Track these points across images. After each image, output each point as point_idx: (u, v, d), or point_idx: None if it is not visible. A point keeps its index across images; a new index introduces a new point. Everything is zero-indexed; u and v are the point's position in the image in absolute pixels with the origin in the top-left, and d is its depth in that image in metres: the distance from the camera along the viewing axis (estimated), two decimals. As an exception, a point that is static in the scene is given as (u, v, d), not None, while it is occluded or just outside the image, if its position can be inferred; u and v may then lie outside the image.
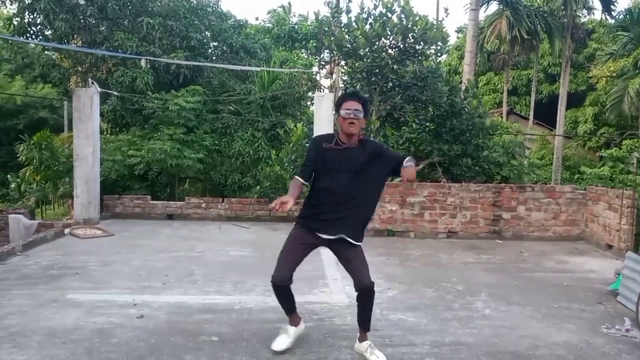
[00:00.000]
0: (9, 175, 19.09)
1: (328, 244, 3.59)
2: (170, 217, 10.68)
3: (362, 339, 3.66)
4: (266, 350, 3.69)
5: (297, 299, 4.90)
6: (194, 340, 3.86)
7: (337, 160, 3.49)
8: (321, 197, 3.53)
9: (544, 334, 4.21)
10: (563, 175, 21.95)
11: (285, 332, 3.73)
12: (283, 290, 3.62)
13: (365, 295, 3.56)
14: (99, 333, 3.96)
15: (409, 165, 3.33)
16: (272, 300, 4.87)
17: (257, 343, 3.83)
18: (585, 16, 26.69)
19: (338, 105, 3.57)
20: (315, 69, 17.33)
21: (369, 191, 3.55)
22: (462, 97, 10.64)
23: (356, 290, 3.56)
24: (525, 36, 22.67)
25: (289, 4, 25.21)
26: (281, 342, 3.67)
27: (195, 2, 14.74)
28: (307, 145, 11.65)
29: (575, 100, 25.54)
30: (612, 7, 23.60)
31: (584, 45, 26.35)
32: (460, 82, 15.22)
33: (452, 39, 30.59)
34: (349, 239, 3.50)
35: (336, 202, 3.46)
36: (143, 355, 3.55)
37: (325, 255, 7.04)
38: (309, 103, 16.24)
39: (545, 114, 25.87)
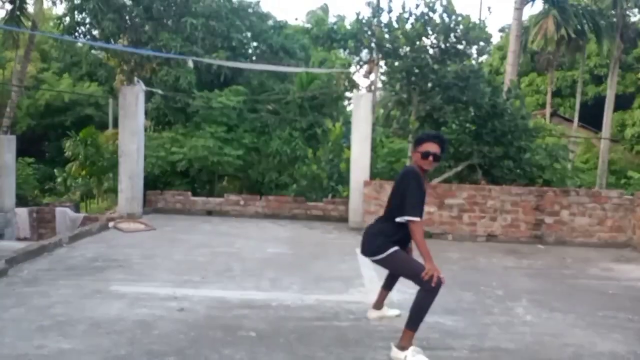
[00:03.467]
0: (55, 170, 19.82)
1: None
2: (209, 213, 10.87)
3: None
4: (303, 348, 3.71)
5: (333, 297, 4.95)
6: (232, 335, 3.91)
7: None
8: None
9: (588, 342, 4.07)
10: (608, 180, 21.22)
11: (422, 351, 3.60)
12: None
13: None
14: (141, 324, 4.06)
15: None
16: (309, 298, 4.92)
17: (294, 340, 3.85)
18: (636, 15, 25.67)
19: (418, 143, 3.81)
20: (353, 68, 17.32)
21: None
22: (505, 97, 10.42)
23: None
24: (572, 36, 22.00)
25: (326, 5, 25.27)
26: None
27: (236, 3, 14.97)
28: (344, 144, 11.65)
29: (623, 103, 24.62)
30: (665, 5, 22.64)
31: (633, 46, 25.36)
32: (502, 83, 14.91)
33: (495, 39, 29.97)
34: None
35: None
36: (183, 348, 3.63)
37: (360, 256, 7.04)
38: (346, 103, 16.25)
39: (591, 117, 25.04)
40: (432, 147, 3.72)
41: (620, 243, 8.57)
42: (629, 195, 8.90)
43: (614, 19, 22.38)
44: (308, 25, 23.97)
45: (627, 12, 23.54)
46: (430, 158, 3.73)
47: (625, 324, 4.58)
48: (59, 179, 18.92)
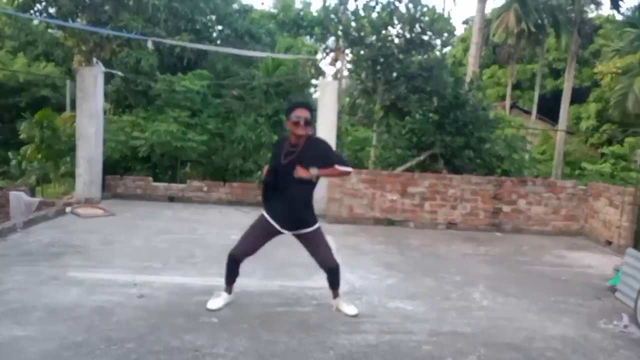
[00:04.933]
0: (9, 153, 19.07)
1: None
2: (171, 199, 10.70)
3: (335, 295, 4.30)
4: (266, 333, 3.72)
5: (296, 284, 4.98)
6: (193, 321, 3.89)
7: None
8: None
9: (540, 326, 4.24)
10: (564, 171, 21.95)
11: (220, 296, 4.25)
12: (236, 264, 4.17)
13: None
14: (99, 311, 3.98)
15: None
16: (272, 284, 4.93)
17: (257, 325, 3.86)
18: (593, 11, 26.50)
19: (289, 111, 4.07)
20: (320, 56, 17.26)
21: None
22: (467, 89, 10.61)
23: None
24: (532, 30, 22.53)
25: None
26: (216, 303, 4.17)
27: (201, -15, 14.63)
28: (309, 132, 11.63)
29: (579, 96, 25.44)
30: (620, 3, 23.44)
31: (590, 41, 26.18)
32: (465, 74, 15.17)
33: (458, 30, 30.40)
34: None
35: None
36: (143, 334, 3.58)
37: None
38: (312, 90, 16.20)
39: (548, 109, 25.79)
40: (302, 112, 3.98)
41: (573, 231, 8.91)
42: (583, 186, 9.25)
43: (572, 14, 23.02)
44: (274, 11, 23.74)
45: (585, 8, 24.25)
46: (301, 122, 3.94)
47: (575, 309, 4.79)
48: (13, 162, 18.21)
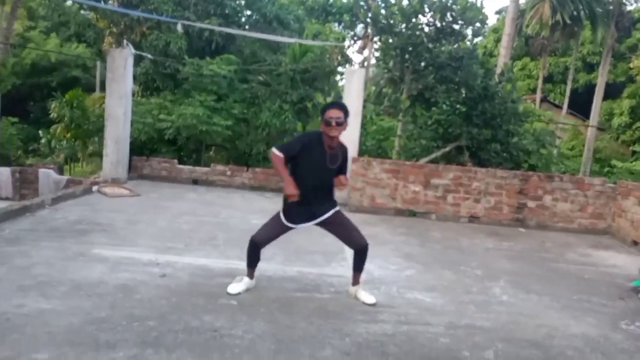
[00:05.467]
0: (40, 131, 19.53)
1: None
2: (195, 182, 10.83)
3: (356, 282, 4.33)
4: (284, 317, 3.75)
5: (315, 270, 5.00)
6: (213, 302, 3.94)
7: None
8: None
9: (562, 324, 4.18)
10: (593, 168, 21.48)
11: (241, 281, 4.27)
12: (257, 250, 4.21)
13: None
14: (123, 288, 4.07)
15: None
16: (291, 270, 4.97)
17: (275, 310, 3.90)
18: (632, 4, 25.66)
19: (322, 112, 4.05)
20: (347, 43, 17.13)
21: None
22: (497, 80, 10.42)
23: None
24: (568, 21, 21.95)
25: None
26: (236, 288, 4.19)
27: (230, -31, 14.62)
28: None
29: (612, 92, 24.78)
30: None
31: (627, 35, 25.41)
32: (495, 66, 14.89)
33: (491, 20, 29.80)
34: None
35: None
36: (165, 313, 3.65)
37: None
38: (338, 78, 16.11)
39: (580, 104, 25.20)
40: (334, 113, 3.95)
41: (600, 230, 8.73)
42: (612, 184, 9.03)
43: (610, 7, 22.33)
44: (303, -4, 23.59)
45: (624, 1, 23.49)
46: (333, 123, 3.92)
47: (598, 309, 4.70)
48: (43, 140, 18.66)
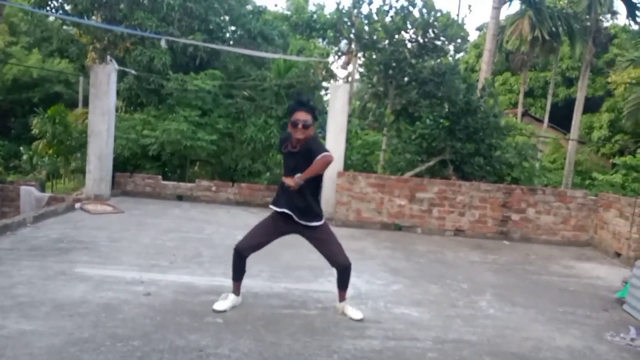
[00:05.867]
0: (21, 148, 19.28)
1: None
2: (180, 198, 10.74)
3: (342, 298, 4.29)
4: (270, 335, 3.72)
5: (302, 286, 4.97)
6: (199, 320, 3.90)
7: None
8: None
9: (547, 337, 4.20)
10: (574, 180, 21.78)
11: (227, 298, 4.23)
12: (242, 259, 4.16)
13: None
14: (106, 308, 4.01)
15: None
16: (277, 286, 4.93)
17: (261, 327, 3.86)
18: (608, 20, 26.33)
19: (289, 113, 4.00)
20: (331, 58, 17.28)
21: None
22: (479, 95, 10.56)
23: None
24: (547, 37, 22.42)
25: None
26: (222, 305, 4.15)
27: (215, -15, 14.70)
28: (320, 134, 11.65)
29: (591, 106, 25.27)
30: (637, 12, 23.19)
31: (605, 50, 26.03)
32: (477, 80, 15.10)
33: (472, 36, 30.34)
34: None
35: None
36: (149, 332, 3.59)
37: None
38: (323, 93, 16.20)
39: (560, 118, 25.64)
40: (301, 116, 3.89)
41: (582, 242, 8.84)
42: (593, 196, 9.17)
43: (588, 23, 22.86)
44: (288, 12, 23.80)
45: (601, 17, 24.09)
46: (300, 126, 3.88)
47: (583, 320, 4.74)
48: (24, 157, 18.41)
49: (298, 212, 4.00)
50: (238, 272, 4.19)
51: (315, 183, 4.08)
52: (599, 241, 8.63)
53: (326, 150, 3.85)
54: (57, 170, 16.07)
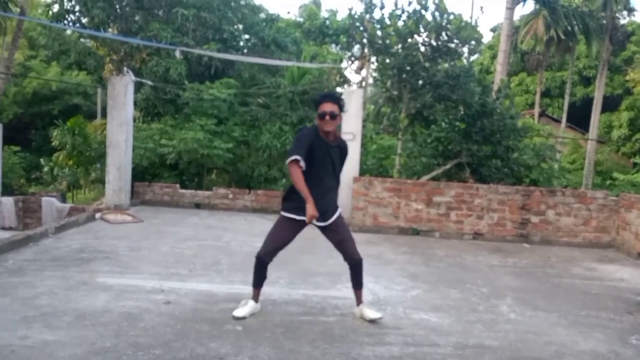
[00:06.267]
0: (42, 159, 19.62)
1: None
2: (197, 206, 10.84)
3: (359, 301, 4.29)
4: (289, 342, 3.72)
5: (320, 293, 4.96)
6: (218, 328, 3.92)
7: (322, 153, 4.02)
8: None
9: (570, 341, 4.13)
10: (594, 181, 21.48)
11: (247, 304, 4.20)
12: (264, 266, 4.15)
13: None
14: (127, 317, 4.05)
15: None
16: (296, 293, 4.94)
17: (280, 334, 3.87)
18: (625, 18, 25.95)
19: (316, 106, 4.01)
20: (345, 64, 17.31)
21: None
22: (494, 97, 10.49)
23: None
24: (562, 37, 22.19)
25: (321, -2, 25.20)
26: (242, 311, 4.13)
27: (228, -5, 14.87)
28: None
29: (610, 104, 24.92)
30: (654, 9, 22.85)
31: (622, 48, 25.66)
32: (492, 82, 15.00)
33: (486, 38, 30.15)
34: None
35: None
36: (169, 341, 3.62)
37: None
38: (337, 98, 16.20)
39: (579, 118, 25.31)
40: (327, 107, 3.91)
41: (604, 243, 8.69)
42: (614, 197, 9.02)
43: (604, 21, 22.58)
44: (300, 19, 23.92)
45: (617, 15, 23.78)
46: (327, 117, 3.90)
47: (607, 324, 4.66)
48: (45, 169, 18.74)
49: (326, 215, 4.06)
50: (259, 279, 4.19)
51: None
52: (621, 242, 8.48)
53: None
54: (78, 180, 16.34)
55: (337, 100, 4.00)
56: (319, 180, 3.97)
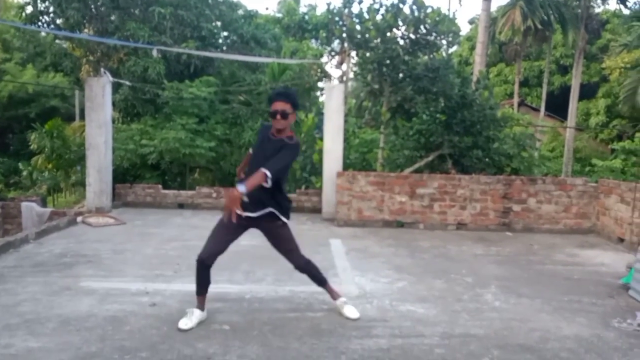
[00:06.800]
0: (20, 163, 19.27)
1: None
2: (181, 206, 10.75)
3: (334, 296, 4.31)
4: (277, 339, 3.73)
5: (307, 288, 4.96)
6: (205, 328, 3.90)
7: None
8: None
9: (554, 327, 4.21)
10: (574, 168, 21.81)
11: (193, 314, 3.97)
12: (206, 269, 3.99)
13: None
14: (112, 320, 4.01)
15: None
16: (282, 290, 4.94)
17: (268, 332, 3.87)
18: (599, 6, 26.36)
19: (268, 103, 3.95)
20: (325, 59, 17.29)
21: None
22: (474, 88, 10.57)
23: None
24: (539, 26, 22.44)
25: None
26: (188, 323, 3.91)
27: (206, -8, 14.73)
28: (317, 135, 11.68)
29: (587, 92, 25.28)
30: (627, -3, 23.25)
31: (597, 36, 26.03)
32: (472, 73, 15.12)
33: (464, 30, 30.35)
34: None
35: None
36: (156, 343, 3.60)
37: (334, 246, 7.09)
38: (319, 93, 16.23)
39: (557, 106, 25.66)
40: (279, 106, 3.83)
41: (585, 229, 8.84)
42: (593, 183, 9.17)
43: (579, 10, 22.89)
44: (279, 15, 23.84)
45: (591, 3, 24.12)
46: (278, 116, 3.83)
47: (589, 308, 4.75)
48: (24, 173, 18.41)
49: (257, 203, 3.88)
50: (203, 284, 4.02)
51: (275, 184, 3.87)
52: (601, 228, 8.64)
53: (277, 166, 3.71)
54: (58, 184, 16.08)
55: (290, 98, 3.89)
56: (250, 175, 3.87)
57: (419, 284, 5.40)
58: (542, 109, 24.38)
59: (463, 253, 7.09)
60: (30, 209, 10.22)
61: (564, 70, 27.32)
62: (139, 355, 3.40)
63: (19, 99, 23.55)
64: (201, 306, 4.05)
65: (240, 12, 15.98)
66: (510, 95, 26.43)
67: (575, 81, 22.50)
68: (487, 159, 10.20)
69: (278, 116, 3.84)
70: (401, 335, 3.91)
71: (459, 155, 10.25)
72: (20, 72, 23.97)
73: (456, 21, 10.51)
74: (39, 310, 4.20)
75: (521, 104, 25.58)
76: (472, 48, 25.79)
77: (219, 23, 14.99)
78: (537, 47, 26.19)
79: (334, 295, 4.33)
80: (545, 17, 22.57)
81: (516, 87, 25.37)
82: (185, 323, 3.90)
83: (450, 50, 11.37)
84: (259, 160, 3.86)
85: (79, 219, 8.67)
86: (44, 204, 12.20)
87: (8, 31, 24.17)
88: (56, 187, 16.79)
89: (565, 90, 25.00)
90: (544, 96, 24.53)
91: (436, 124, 10.38)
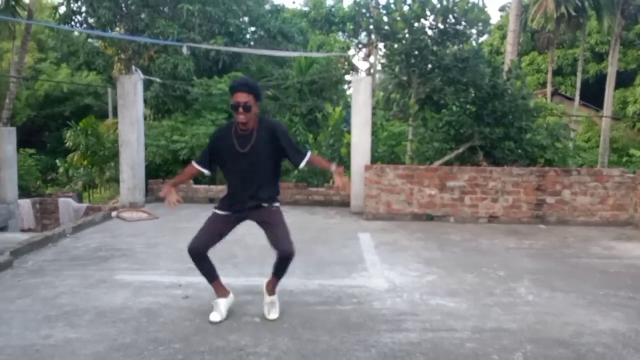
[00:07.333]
0: (57, 160, 19.86)
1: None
2: (211, 201, 10.88)
3: (272, 291, 4.06)
4: (307, 332, 3.75)
5: (336, 282, 4.98)
6: (237, 320, 3.96)
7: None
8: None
9: (589, 321, 4.11)
10: (610, 158, 21.18)
11: (219, 305, 3.96)
12: (200, 258, 3.97)
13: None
14: (147, 313, 4.11)
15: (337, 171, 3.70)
16: (312, 283, 4.96)
17: (298, 325, 3.90)
18: (637, -9, 25.38)
19: (230, 94, 3.73)
20: (352, 51, 17.22)
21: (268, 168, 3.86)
22: (505, 78, 10.36)
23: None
24: (572, 13, 21.80)
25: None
26: (217, 315, 3.91)
27: (233, -12, 14.84)
28: (345, 129, 11.65)
29: (624, 80, 24.47)
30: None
31: (634, 22, 25.12)
32: (503, 63, 14.81)
33: (495, 18, 29.73)
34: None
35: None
36: (189, 335, 3.67)
37: (362, 240, 7.08)
38: (346, 86, 16.17)
39: (592, 95, 24.92)
40: (240, 97, 3.62)
41: (622, 221, 8.58)
42: (631, 174, 8.89)
43: (615, -5, 22.12)
44: (306, 9, 23.82)
45: (628, -12, 23.27)
46: (240, 109, 3.62)
47: (626, 302, 4.61)
48: (60, 170, 18.99)
49: (252, 198, 3.85)
50: (208, 271, 4.00)
51: (275, 164, 3.89)
52: (639, 220, 8.37)
53: (301, 147, 3.73)
54: (93, 180, 16.52)
55: (252, 89, 3.68)
56: (230, 177, 3.93)
57: (449, 277, 5.35)
58: (577, 98, 23.72)
59: (495, 246, 6.98)
60: (67, 204, 10.54)
61: (600, 57, 26.50)
62: (173, 346, 3.47)
63: (54, 97, 24.25)
64: (222, 293, 4.01)
65: (267, 6, 16.04)
66: (544, 85, 25.80)
67: (612, 69, 21.81)
68: (519, 151, 9.99)
69: (240, 109, 3.62)
70: (432, 329, 3.88)
71: (490, 146, 10.07)
72: (55, 71, 24.66)
73: (486, 9, 10.28)
74: (77, 303, 4.33)
75: (555, 93, 24.95)
76: (503, 37, 25.25)
77: (246, 18, 15.09)
78: (570, 34, 25.45)
79: (270, 289, 4.08)
80: (579, 3, 21.92)
81: (549, 76, 24.74)
82: (215, 316, 3.91)
83: (481, 40, 11.10)
84: (253, 161, 3.75)
85: (114, 213, 8.89)
86: (79, 199, 12.57)
87: (43, 31, 24.87)
88: (91, 183, 17.26)
89: (601, 78, 24.26)
90: (578, 85, 23.84)
91: (466, 115, 10.22)
